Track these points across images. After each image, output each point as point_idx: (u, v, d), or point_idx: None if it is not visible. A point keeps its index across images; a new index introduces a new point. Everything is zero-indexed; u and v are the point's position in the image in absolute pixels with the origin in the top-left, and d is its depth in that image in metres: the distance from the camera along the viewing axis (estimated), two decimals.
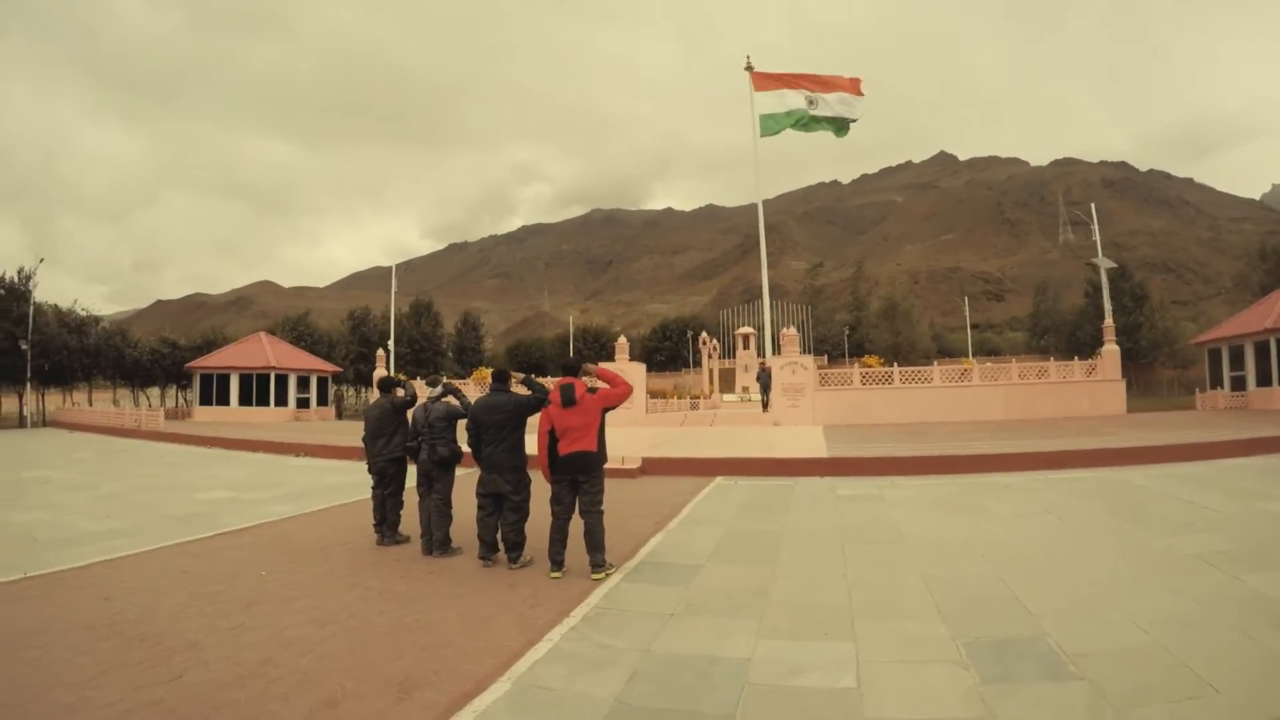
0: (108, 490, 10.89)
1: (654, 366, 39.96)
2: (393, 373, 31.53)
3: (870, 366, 23.89)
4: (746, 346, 46.44)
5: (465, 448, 6.36)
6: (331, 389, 35.35)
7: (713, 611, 4.86)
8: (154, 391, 40.84)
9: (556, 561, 5.73)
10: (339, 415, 32.49)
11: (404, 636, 4.39)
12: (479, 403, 6.10)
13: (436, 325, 51.59)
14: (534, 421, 5.98)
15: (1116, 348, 21.97)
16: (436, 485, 6.47)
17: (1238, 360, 22.73)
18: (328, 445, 15.95)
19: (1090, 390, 21.43)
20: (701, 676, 3.78)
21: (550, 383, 6.73)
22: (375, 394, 27.51)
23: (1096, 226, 25.39)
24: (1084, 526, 7.45)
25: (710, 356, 47.05)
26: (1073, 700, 3.41)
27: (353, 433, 21.39)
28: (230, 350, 34.24)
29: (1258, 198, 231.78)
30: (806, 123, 28.02)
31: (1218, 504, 8.35)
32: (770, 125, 29.23)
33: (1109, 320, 22.53)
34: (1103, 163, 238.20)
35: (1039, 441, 13.78)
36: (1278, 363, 21.05)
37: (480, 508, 6.05)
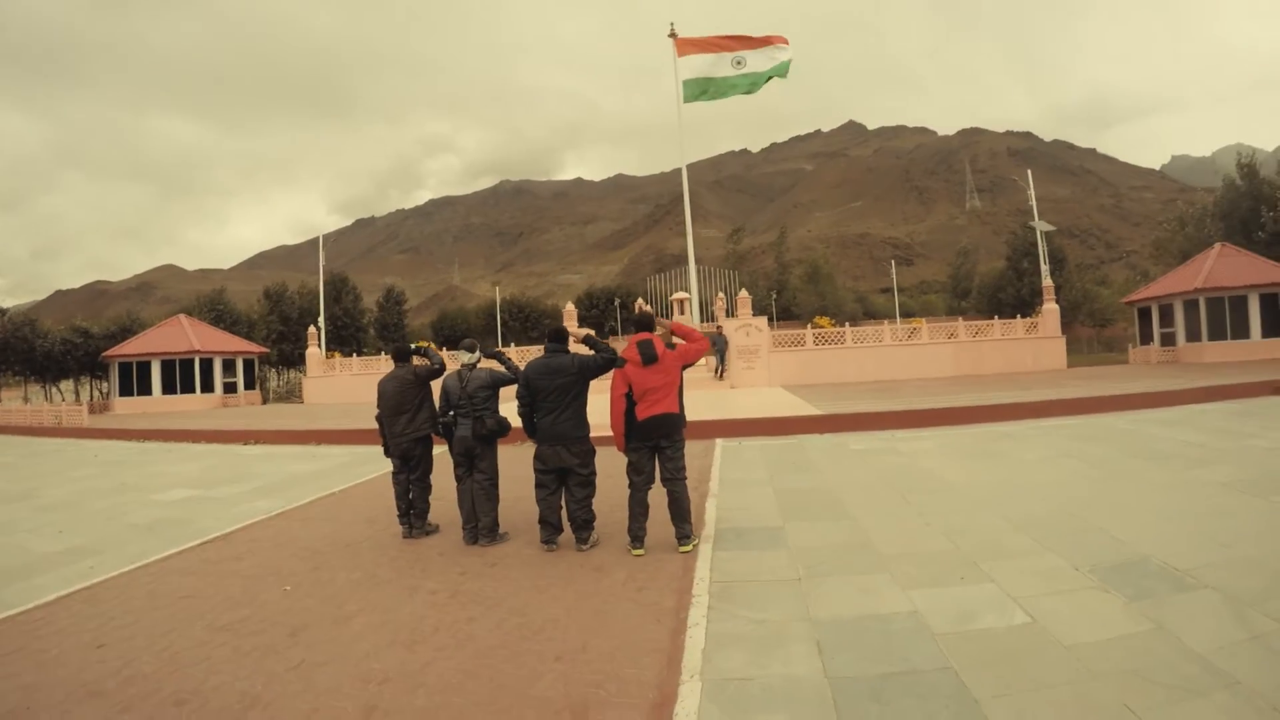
0: (49, 499, 9.20)
1: None
2: (324, 350, 29.65)
3: (822, 327, 24.25)
4: (682, 312, 46.64)
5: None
6: (259, 372, 32.92)
7: (837, 571, 4.72)
8: (67, 385, 37.17)
9: (639, 538, 5.29)
10: (265, 400, 30.19)
11: (523, 647, 3.72)
12: (533, 366, 5.46)
13: (357, 301, 49.00)
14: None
15: (1056, 306, 23.24)
16: (480, 464, 5.76)
17: (1167, 318, 24.78)
18: (283, 430, 14.60)
19: (1033, 346, 22.57)
20: (887, 636, 3.65)
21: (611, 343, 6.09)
22: (316, 373, 25.27)
23: (1033, 193, 26.72)
24: (1108, 466, 7.88)
25: None
26: (1212, 604, 3.81)
27: (292, 416, 20.04)
28: (149, 336, 30.93)
29: (1158, 168, 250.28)
30: (733, 84, 27.77)
31: (1209, 443, 8.94)
32: (694, 90, 28.92)
33: (1049, 281, 23.80)
34: (1009, 132, 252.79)
35: (1017, 393, 14.42)
36: (1206, 320, 23.11)
37: (542, 485, 5.45)
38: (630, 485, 5.31)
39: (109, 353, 30.38)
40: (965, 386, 17.77)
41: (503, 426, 5.69)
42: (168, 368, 29.16)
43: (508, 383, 5.77)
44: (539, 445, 5.41)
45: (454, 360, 6.29)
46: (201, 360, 29.47)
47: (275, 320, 42.62)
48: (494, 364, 6.08)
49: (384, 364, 29.14)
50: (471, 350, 5.89)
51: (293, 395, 35.54)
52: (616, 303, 64.36)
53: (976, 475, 7.73)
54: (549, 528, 5.47)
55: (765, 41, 28.09)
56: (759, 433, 11.71)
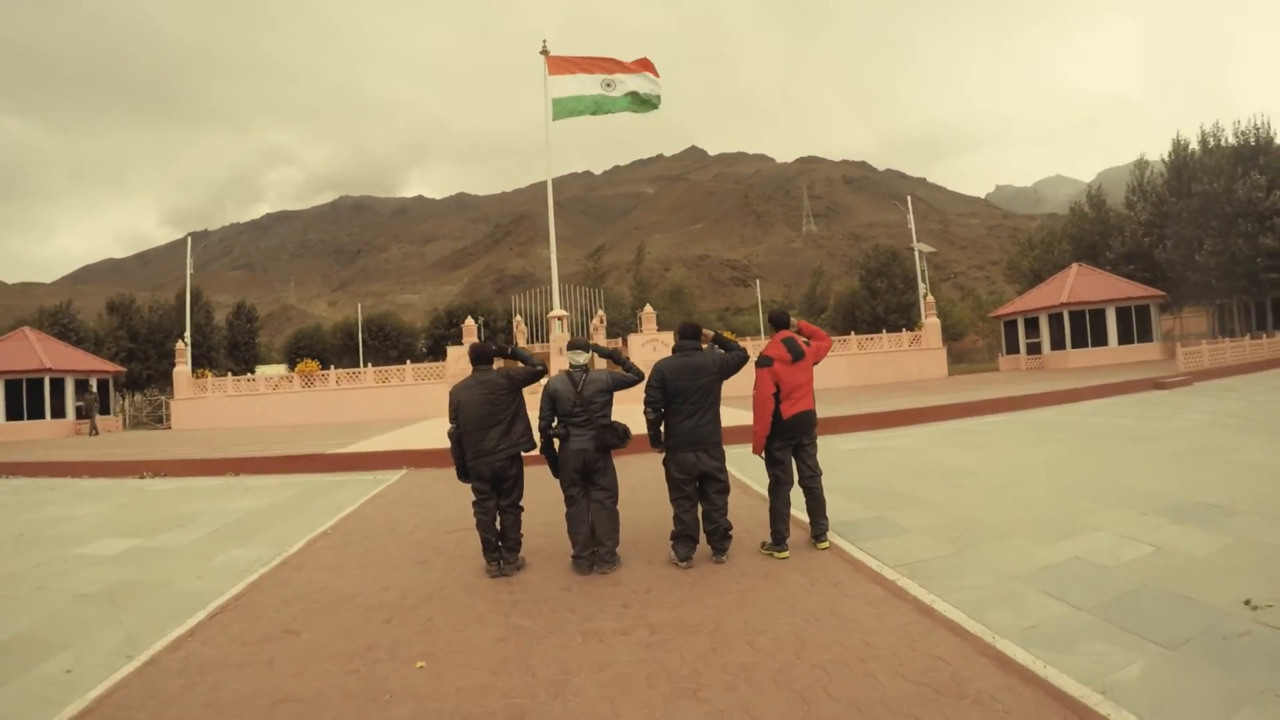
0: None
1: (442, 354, 37.36)
2: (191, 367, 25.96)
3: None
4: (562, 330, 46.16)
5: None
6: (108, 396, 28.17)
7: (979, 541, 5.21)
8: None
9: (783, 539, 5.26)
10: (93, 429, 25.47)
11: (814, 661, 3.46)
12: (670, 365, 5.18)
13: (208, 318, 43.37)
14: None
15: (937, 320, 25.47)
16: (601, 479, 5.27)
17: (1033, 329, 28.84)
18: (189, 460, 12.28)
19: (918, 357, 24.65)
20: (1080, 576, 4.32)
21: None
22: (185, 395, 21.82)
23: (912, 217, 28.99)
24: (1079, 446, 9.19)
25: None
26: (1257, 521, 5.10)
27: (173, 444, 16.70)
28: None
29: (983, 196, 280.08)
30: (600, 103, 28.13)
31: (1139, 426, 10.63)
32: (563, 109, 29.02)
33: (930, 297, 26.08)
34: (844, 161, 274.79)
35: (932, 398, 16.32)
36: (1070, 330, 26.38)
37: (685, 496, 5.19)
38: (773, 486, 5.34)
39: None
40: (871, 394, 18.98)
41: (626, 434, 5.11)
42: (12, 389, 25.03)
43: (628, 385, 5.27)
44: (675, 452, 5.16)
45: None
46: (52, 380, 25.07)
47: (124, 336, 36.81)
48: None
49: (260, 384, 25.95)
50: (585, 350, 5.23)
51: (143, 419, 30.85)
52: (481, 321, 62.10)
53: (983, 462, 8.58)
54: (688, 543, 5.22)
55: (638, 67, 28.56)
56: (736, 441, 11.57)
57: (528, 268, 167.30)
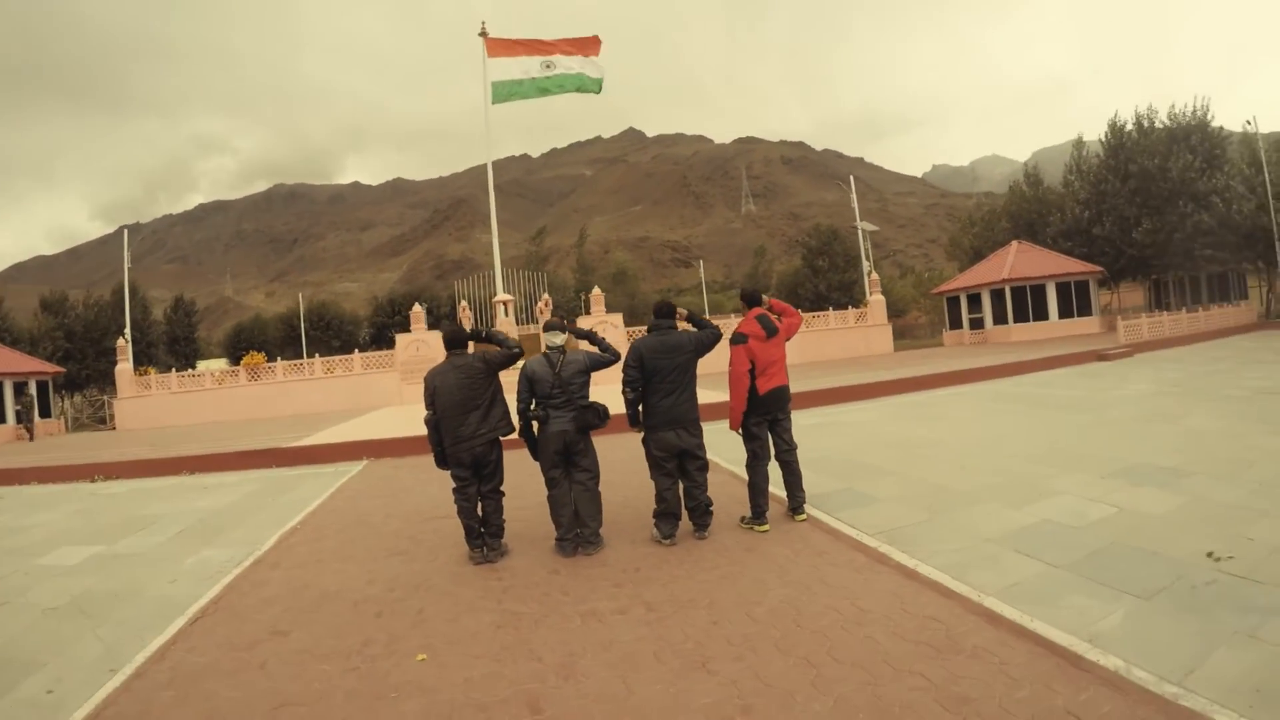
0: None
1: (386, 342, 36.62)
2: (134, 364, 24.69)
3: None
4: (507, 314, 45.62)
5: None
6: (48, 398, 26.48)
7: (952, 508, 5.41)
8: None
9: (763, 513, 5.34)
10: (29, 433, 23.94)
11: (816, 627, 3.56)
12: (647, 344, 5.18)
13: (146, 313, 41.13)
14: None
15: (882, 297, 25.97)
16: (582, 460, 5.24)
17: (975, 305, 28.48)
18: (140, 461, 11.63)
19: (864, 334, 25.21)
20: (1051, 536, 4.55)
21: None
22: (129, 394, 20.72)
23: (855, 196, 29.10)
24: (1035, 416, 9.60)
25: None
26: (1208, 482, 5.43)
27: (121, 444, 16.08)
28: None
29: (920, 175, 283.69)
30: (542, 86, 27.71)
31: (1089, 396, 11.20)
32: (503, 92, 28.46)
33: (874, 274, 26.38)
34: (782, 142, 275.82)
35: (886, 373, 16.47)
36: (1012, 306, 27.05)
37: (666, 474, 5.21)
38: (751, 461, 5.41)
39: None
40: (822, 371, 19.45)
41: (605, 414, 5.11)
42: None
43: (605, 365, 5.30)
44: (655, 431, 5.18)
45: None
46: None
47: (60, 336, 34.76)
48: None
49: (206, 380, 24.84)
50: (561, 331, 5.17)
51: (85, 420, 29.25)
52: (425, 307, 60.74)
53: (942, 433, 8.88)
54: (670, 520, 5.25)
55: (578, 47, 28.13)
56: (708, 418, 11.67)
57: (467, 253, 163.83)
